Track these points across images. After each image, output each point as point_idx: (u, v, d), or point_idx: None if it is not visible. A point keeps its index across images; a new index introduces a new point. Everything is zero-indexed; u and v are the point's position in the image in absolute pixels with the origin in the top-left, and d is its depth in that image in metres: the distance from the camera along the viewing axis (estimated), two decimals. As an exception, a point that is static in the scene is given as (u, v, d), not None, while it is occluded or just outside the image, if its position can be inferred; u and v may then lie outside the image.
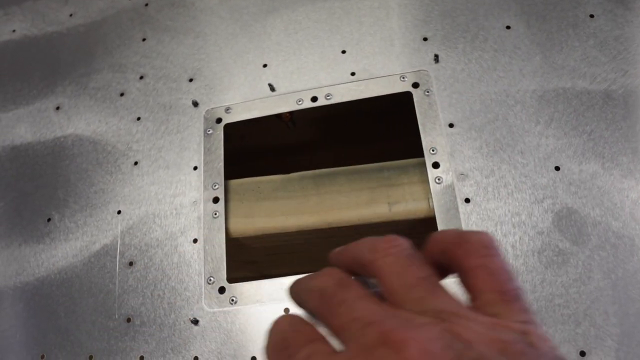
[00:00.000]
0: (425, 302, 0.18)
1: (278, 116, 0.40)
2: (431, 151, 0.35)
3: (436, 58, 0.38)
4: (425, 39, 0.39)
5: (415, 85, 0.38)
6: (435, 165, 0.35)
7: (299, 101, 0.39)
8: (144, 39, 0.45)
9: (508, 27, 0.39)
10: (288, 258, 0.41)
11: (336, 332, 0.18)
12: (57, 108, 0.44)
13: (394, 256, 0.19)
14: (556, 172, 0.34)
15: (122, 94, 0.43)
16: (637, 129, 0.34)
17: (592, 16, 0.38)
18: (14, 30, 0.50)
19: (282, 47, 0.41)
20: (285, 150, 0.45)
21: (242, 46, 0.42)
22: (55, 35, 0.48)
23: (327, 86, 0.39)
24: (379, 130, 0.43)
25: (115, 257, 0.38)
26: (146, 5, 0.47)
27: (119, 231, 0.39)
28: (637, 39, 0.37)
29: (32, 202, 0.42)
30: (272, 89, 0.40)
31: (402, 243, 0.19)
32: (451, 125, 0.36)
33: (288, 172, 0.39)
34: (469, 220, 0.33)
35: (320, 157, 0.44)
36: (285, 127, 0.43)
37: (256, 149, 0.45)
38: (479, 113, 0.36)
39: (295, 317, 0.20)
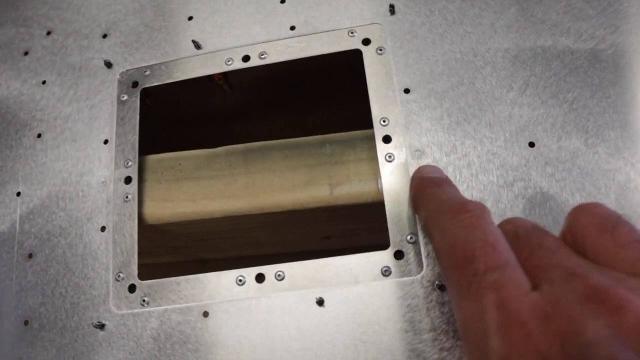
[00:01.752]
0: (638, 265, 0.17)
1: (210, 79, 0.34)
2: (382, 122, 0.29)
3: (391, 9, 0.32)
4: (380, -14, 0.33)
5: (366, 41, 0.31)
6: (387, 139, 0.29)
7: (229, 61, 0.32)
8: (53, -14, 0.38)
9: (479, -29, 0.32)
10: (222, 243, 0.35)
11: (530, 272, 0.19)
12: (-47, 69, 0.38)
13: (599, 216, 0.20)
14: (530, 149, 0.28)
15: (26, 53, 0.37)
16: (627, 98, 0.28)
17: (579, -41, 0.32)
18: None
19: (211, -4, 0.35)
20: (220, 118, 0.38)
21: (165, -5, 0.35)
22: (-46, -17, 0.41)
23: (262, 43, 0.32)
24: (322, 96, 0.37)
25: (13, 248, 0.32)
26: (57, -54, 0.39)
27: (18, 216, 0.33)
28: (632, -12, 0.31)
29: None
30: (197, 46, 0.33)
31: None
32: (407, 91, 0.30)
33: (215, 145, 0.33)
34: (424, 206, 0.28)
35: (257, 127, 0.38)
36: (221, 92, 0.37)
37: (189, 116, 0.39)
38: (440, 76, 0.30)
39: (491, 225, 0.21)
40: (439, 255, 0.23)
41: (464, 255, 0.21)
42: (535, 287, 0.19)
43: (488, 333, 0.18)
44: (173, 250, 0.36)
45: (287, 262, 0.28)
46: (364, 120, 0.30)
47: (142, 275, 0.30)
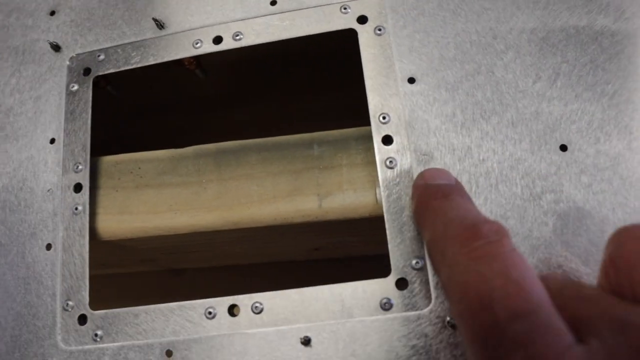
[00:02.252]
0: None
1: (179, 62, 0.29)
2: (381, 119, 0.24)
3: (394, -20, 0.26)
4: (379, -48, 0.27)
5: (362, 19, 0.26)
6: (387, 140, 0.24)
7: (197, 43, 0.27)
8: (-7, -48, 0.32)
9: None
10: (194, 255, 0.31)
11: (570, 325, 0.16)
12: None
13: None
14: (562, 153, 0.23)
15: (-40, 33, 0.31)
16: (684, 88, 0.23)
17: None
18: None
19: (178, -36, 0.29)
20: (191, 108, 0.33)
21: (122, -37, 0.30)
22: None
23: (237, 21, 0.27)
24: (309, 83, 0.31)
25: (-58, 268, 0.27)
26: None
27: (-51, 230, 0.28)
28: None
29: None
30: (159, 25, 0.28)
31: None
32: (411, 81, 0.25)
33: (181, 144, 0.28)
34: (433, 224, 0.23)
35: (234, 119, 0.33)
36: (193, 77, 0.31)
37: (156, 106, 0.34)
38: (452, 63, 0.25)
39: (514, 254, 0.18)
40: (448, 295, 0.18)
41: (479, 298, 0.16)
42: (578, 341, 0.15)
43: None
44: (139, 262, 0.31)
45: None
46: (359, 113, 0.25)
47: (96, 302, 0.25)
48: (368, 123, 0.24)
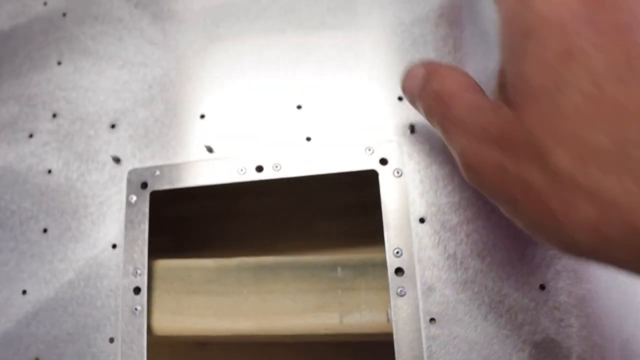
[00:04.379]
0: None
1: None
2: (395, 253, 0.31)
3: (412, 128, 0.32)
4: (400, 99, 0.33)
5: (384, 161, 0.32)
6: (399, 271, 0.30)
7: (242, 170, 0.33)
8: (59, 62, 0.38)
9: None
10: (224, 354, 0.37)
11: None
12: (-46, 144, 0.38)
13: None
14: (541, 291, 0.30)
15: (31, 135, 0.37)
16: None
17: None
18: None
19: (224, 92, 0.35)
20: (229, 218, 0.39)
21: (176, 87, 0.36)
22: (-47, 44, 0.41)
23: (277, 152, 0.33)
24: (337, 210, 0.37)
25: (19, 350, 0.33)
26: (64, 15, 0.39)
27: (24, 316, 0.34)
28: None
29: None
30: (209, 150, 0.34)
31: None
32: (422, 220, 0.31)
33: (225, 252, 0.34)
34: (433, 345, 0.29)
35: (265, 235, 0.39)
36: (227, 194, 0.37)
37: (199, 214, 0.40)
38: (458, 208, 0.31)
39: None
40: None
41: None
42: None
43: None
44: (196, 345, 0.37)
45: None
46: (378, 244, 0.31)
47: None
48: (381, 244, 0.31)
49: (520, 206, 0.21)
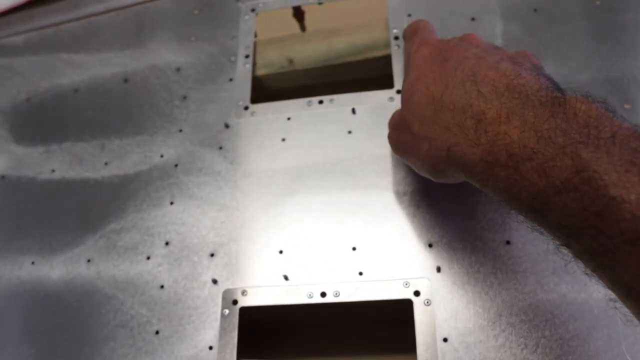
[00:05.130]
0: None
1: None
2: (425, 366, 0.41)
3: (438, 269, 0.44)
4: (430, 245, 0.45)
5: (417, 293, 0.43)
6: (428, 382, 0.41)
7: (310, 295, 0.44)
8: (171, 203, 0.51)
9: (508, 242, 0.44)
10: None
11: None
12: (88, 261, 0.51)
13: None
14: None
15: (148, 258, 0.49)
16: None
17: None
18: (53, 170, 0.56)
19: (297, 235, 0.47)
20: (297, 328, 0.50)
21: (260, 228, 0.48)
22: (91, 182, 0.54)
23: (336, 283, 0.45)
24: (382, 324, 0.48)
25: None
26: (176, 165, 0.53)
27: (137, 399, 0.45)
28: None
29: (60, 354, 0.48)
30: (286, 278, 0.45)
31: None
32: (445, 340, 0.42)
33: (295, 354, 0.45)
34: None
35: (325, 339, 0.50)
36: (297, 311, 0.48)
37: (275, 325, 0.51)
38: (472, 331, 0.42)
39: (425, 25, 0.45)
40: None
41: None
42: None
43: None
44: None
45: None
46: (410, 342, 0.42)
47: None
48: (416, 362, 0.41)
49: (407, 155, 0.40)
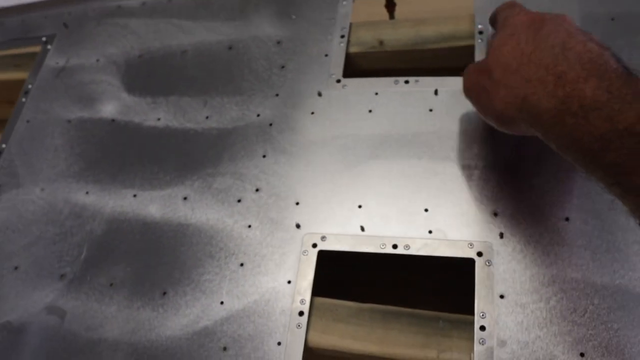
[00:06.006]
0: None
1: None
2: (481, 315, 0.46)
3: (501, 235, 0.49)
4: (495, 214, 0.50)
5: (479, 254, 0.49)
6: (482, 328, 0.46)
7: (382, 245, 0.50)
8: (264, 155, 0.58)
9: (567, 219, 0.49)
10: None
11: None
12: (185, 198, 0.58)
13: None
14: (581, 358, 0.44)
15: (239, 200, 0.56)
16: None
17: (641, 225, 0.48)
18: (158, 118, 0.64)
19: (376, 193, 0.53)
20: (367, 277, 0.56)
21: (343, 184, 0.54)
22: (192, 132, 0.62)
23: (407, 238, 0.50)
24: (443, 281, 0.54)
25: (213, 340, 0.50)
26: (270, 125, 0.60)
27: (219, 318, 0.51)
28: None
29: (153, 274, 0.55)
30: (362, 229, 0.52)
31: None
32: (502, 297, 0.47)
33: (361, 298, 0.51)
34: (501, 382, 0.44)
35: (390, 290, 0.56)
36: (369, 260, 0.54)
37: (347, 271, 0.57)
38: (527, 292, 0.47)
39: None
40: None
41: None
42: None
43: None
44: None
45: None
46: (469, 309, 0.47)
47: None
48: (473, 314, 0.46)
49: (479, 98, 0.46)
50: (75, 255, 0.58)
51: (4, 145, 0.69)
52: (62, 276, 0.58)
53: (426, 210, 0.52)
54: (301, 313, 0.49)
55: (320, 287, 0.52)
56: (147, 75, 0.68)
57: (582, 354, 0.44)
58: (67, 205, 0.62)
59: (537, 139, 0.41)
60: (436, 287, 0.56)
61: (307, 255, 0.52)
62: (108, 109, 0.67)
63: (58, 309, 0.56)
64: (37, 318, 0.56)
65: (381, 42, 0.61)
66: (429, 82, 0.58)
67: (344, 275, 0.58)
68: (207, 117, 0.63)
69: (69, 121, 0.68)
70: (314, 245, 0.52)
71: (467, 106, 0.53)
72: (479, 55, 0.58)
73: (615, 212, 0.49)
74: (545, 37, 0.40)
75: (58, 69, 0.72)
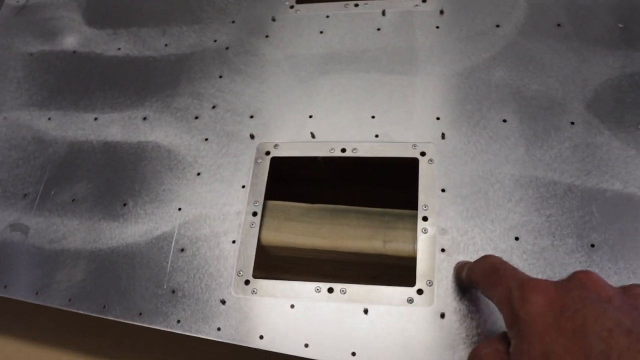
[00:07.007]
0: None
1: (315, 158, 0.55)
2: (424, 207, 0.50)
3: (442, 135, 0.52)
4: (437, 118, 0.54)
5: (423, 154, 0.52)
6: (425, 218, 0.49)
7: (332, 150, 0.54)
8: (220, 76, 0.61)
9: (504, 120, 0.53)
10: (300, 268, 0.56)
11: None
12: (144, 118, 0.60)
13: None
14: (515, 241, 0.48)
15: (196, 117, 0.59)
16: (585, 219, 0.48)
17: (572, 123, 0.52)
18: (119, 49, 0.66)
19: (326, 104, 0.56)
20: (317, 183, 0.60)
21: (295, 97, 0.57)
22: (151, 60, 0.64)
23: (355, 142, 0.54)
24: (388, 182, 0.57)
25: (171, 243, 0.53)
26: (227, 48, 0.63)
27: (177, 224, 0.54)
28: (604, 147, 0.51)
29: (114, 188, 0.57)
30: (312, 136, 0.55)
31: None
32: (443, 190, 0.50)
33: (312, 202, 0.54)
34: (441, 266, 0.47)
35: (339, 194, 0.59)
36: (319, 165, 0.58)
37: (299, 178, 0.61)
38: (466, 185, 0.50)
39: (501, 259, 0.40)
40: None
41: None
42: None
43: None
44: (266, 267, 0.56)
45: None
46: (413, 203, 0.50)
47: (255, 276, 0.50)
48: (415, 208, 0.50)
49: None
50: (38, 176, 0.61)
51: (-33, 83, 0.71)
52: (25, 195, 0.60)
53: (373, 117, 0.55)
54: (255, 213, 0.52)
55: (275, 195, 0.55)
56: (108, 9, 0.71)
57: (516, 238, 0.48)
58: (29, 132, 0.64)
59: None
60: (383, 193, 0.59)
61: (260, 162, 0.55)
62: (69, 42, 0.69)
63: (22, 225, 0.58)
64: (0, 236, 0.58)
65: (332, -30, 0.64)
66: (376, 4, 0.61)
67: (299, 189, 0.61)
68: (166, 45, 0.65)
69: (31, 54, 0.70)
70: (267, 153, 0.55)
71: (412, 25, 0.56)
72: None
73: (550, 112, 0.53)
74: (599, 355, 0.27)
75: (19, 7, 0.74)
